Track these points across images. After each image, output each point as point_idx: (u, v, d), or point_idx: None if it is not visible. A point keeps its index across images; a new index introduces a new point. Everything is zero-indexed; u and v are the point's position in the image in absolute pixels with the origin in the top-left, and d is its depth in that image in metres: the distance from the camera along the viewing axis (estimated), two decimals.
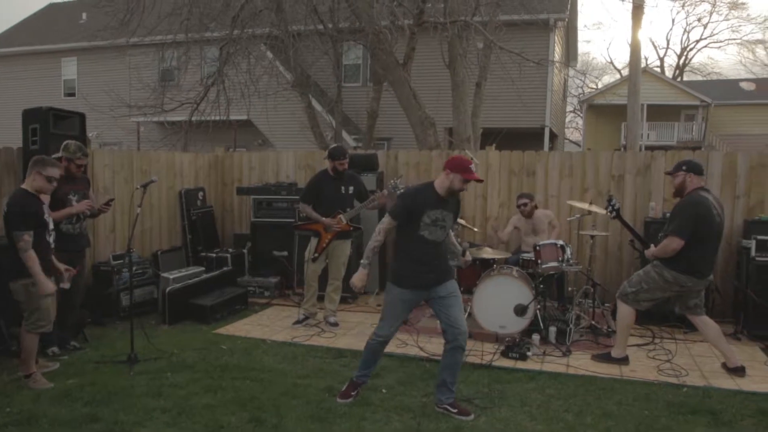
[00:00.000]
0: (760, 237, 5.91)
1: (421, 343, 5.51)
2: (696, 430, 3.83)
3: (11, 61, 22.93)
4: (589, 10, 57.87)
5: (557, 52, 18.52)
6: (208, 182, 8.83)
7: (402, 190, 5.94)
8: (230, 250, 8.00)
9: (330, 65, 14.08)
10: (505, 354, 5.17)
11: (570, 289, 6.23)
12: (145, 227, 7.51)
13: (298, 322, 6.19)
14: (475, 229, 7.07)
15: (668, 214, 5.12)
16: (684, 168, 4.82)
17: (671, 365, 5.02)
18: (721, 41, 53.24)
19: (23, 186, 4.44)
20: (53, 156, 5.01)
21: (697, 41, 39.97)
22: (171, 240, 7.99)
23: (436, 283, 4.03)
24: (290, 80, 13.38)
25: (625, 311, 5.03)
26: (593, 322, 6.00)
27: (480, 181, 4.20)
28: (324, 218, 5.90)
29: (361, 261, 4.11)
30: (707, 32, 48.72)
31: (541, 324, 5.64)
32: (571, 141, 34.51)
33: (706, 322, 4.93)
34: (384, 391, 4.43)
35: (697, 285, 4.84)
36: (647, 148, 20.75)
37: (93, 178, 6.60)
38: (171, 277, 6.55)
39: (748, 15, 52.83)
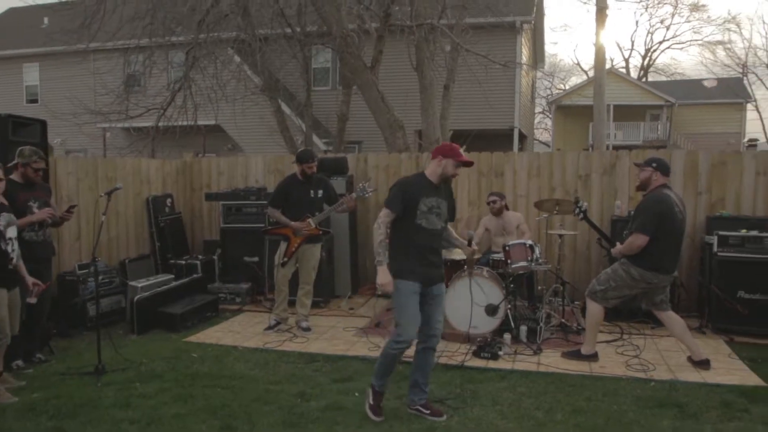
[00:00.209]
0: (721, 233, 6.06)
1: None
2: (663, 423, 3.91)
3: None
4: (555, 12, 58.77)
5: (524, 55, 18.75)
6: (176, 188, 8.71)
7: (370, 194, 5.99)
8: (200, 256, 7.91)
9: (299, 69, 14.03)
10: (477, 354, 5.20)
11: (540, 288, 6.30)
12: (111, 235, 7.38)
13: (269, 327, 6.14)
14: None
15: (633, 212, 5.23)
16: (654, 165, 4.93)
17: (639, 360, 5.12)
18: (683, 42, 54.72)
19: None
20: (9, 165, 4.90)
21: (661, 42, 40.92)
22: (139, 248, 7.86)
23: (435, 281, 4.00)
24: (259, 84, 13.28)
25: (594, 309, 5.11)
26: (563, 320, 6.08)
27: (471, 163, 4.05)
28: (293, 222, 5.87)
29: (376, 260, 3.86)
30: (670, 34, 50.02)
31: (512, 323, 5.69)
32: (540, 142, 34.98)
33: (671, 318, 5.04)
34: (357, 394, 4.41)
35: (663, 281, 4.94)
36: (615, 147, 21.14)
37: (56, 187, 6.47)
38: (139, 285, 6.44)
39: (708, 17, 54.43)
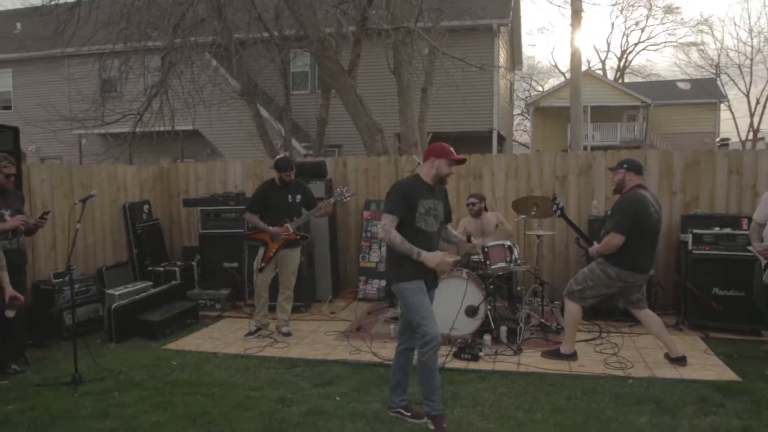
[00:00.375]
0: (696, 231, 6.16)
1: (374, 348, 5.52)
2: (640, 419, 3.96)
3: None
4: (532, 15, 59.28)
5: (502, 57, 18.90)
6: (153, 195, 8.62)
7: (348, 199, 6.00)
8: (179, 263, 7.83)
9: (277, 73, 13.99)
10: (457, 355, 5.22)
11: (519, 288, 6.35)
12: (88, 243, 7.28)
13: (250, 333, 6.10)
14: None
15: (609, 212, 5.29)
16: (625, 166, 5.00)
17: (617, 358, 5.18)
18: (657, 44, 55.47)
19: None
20: None
21: (636, 44, 41.58)
22: (116, 255, 7.76)
23: (432, 286, 4.00)
24: (237, 89, 13.21)
25: (572, 308, 5.16)
26: (543, 320, 6.13)
27: (463, 161, 4.03)
28: (271, 227, 5.85)
29: (415, 254, 3.73)
30: (645, 36, 50.72)
31: (492, 324, 5.72)
32: (520, 143, 35.28)
33: (648, 315, 5.11)
34: (338, 398, 4.41)
35: (639, 280, 5.01)
36: (593, 148, 21.36)
37: (30, 194, 6.37)
38: (116, 293, 6.36)
39: (681, 19, 55.25)
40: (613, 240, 4.83)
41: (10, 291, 4.40)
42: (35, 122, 10.83)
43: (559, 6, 62.44)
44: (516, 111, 31.30)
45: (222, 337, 6.21)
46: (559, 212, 5.35)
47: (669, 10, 38.63)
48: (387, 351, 5.42)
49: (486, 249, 5.86)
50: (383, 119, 10.42)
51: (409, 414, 3.99)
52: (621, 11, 51.43)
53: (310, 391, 4.59)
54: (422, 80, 11.40)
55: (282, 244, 5.89)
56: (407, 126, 10.45)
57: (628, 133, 28.28)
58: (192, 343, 6.03)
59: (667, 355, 5.11)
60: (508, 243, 5.95)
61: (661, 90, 30.75)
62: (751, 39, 48.73)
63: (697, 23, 52.24)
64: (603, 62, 41.53)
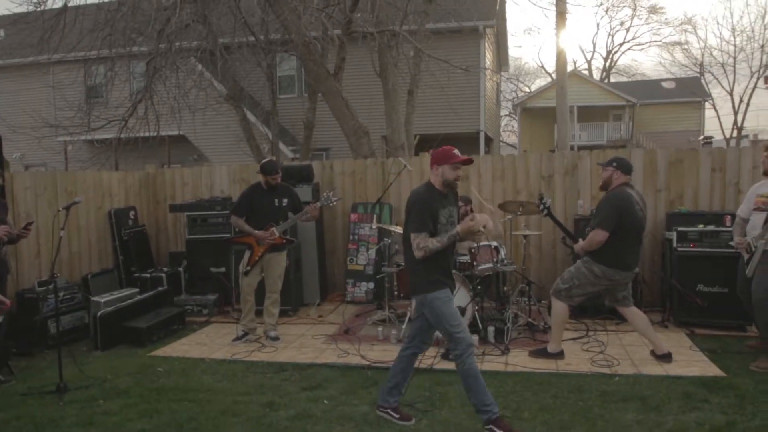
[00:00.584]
0: (680, 228, 6.21)
1: (363, 351, 5.52)
2: (626, 416, 3.98)
3: None
4: (519, 16, 59.69)
5: (488, 58, 18.97)
6: (139, 201, 8.58)
7: (335, 203, 6.00)
8: (165, 269, 7.79)
9: (264, 77, 13.96)
10: (445, 357, 5.21)
11: (506, 288, 6.37)
12: (73, 250, 7.22)
13: (237, 338, 6.08)
14: None
15: (594, 210, 5.33)
16: (614, 164, 5.04)
17: (604, 356, 5.21)
18: (642, 44, 55.90)
19: None
20: None
21: (621, 44, 41.89)
22: (102, 262, 7.71)
23: (452, 291, 4.00)
24: (223, 93, 13.16)
25: (559, 307, 5.18)
26: (530, 320, 6.15)
27: (469, 161, 3.94)
28: (256, 231, 5.83)
29: (455, 235, 3.73)
30: (630, 36, 51.06)
31: (480, 324, 5.73)
32: (507, 144, 35.43)
33: (634, 313, 5.14)
34: (326, 402, 4.40)
35: (625, 278, 5.04)
36: (580, 148, 21.51)
37: (13, 202, 6.32)
38: (102, 300, 6.32)
39: (666, 19, 55.71)
40: (597, 236, 4.86)
41: None
42: (20, 129, 10.73)
43: (543, 8, 62.78)
44: (503, 112, 31.46)
45: (209, 343, 6.17)
46: (546, 211, 5.37)
47: (653, 10, 39.00)
48: (375, 353, 5.42)
49: (473, 250, 5.88)
50: (369, 122, 10.43)
51: (397, 416, 3.99)
52: (606, 12, 51.96)
53: (298, 395, 4.58)
54: (408, 83, 11.42)
55: (268, 248, 5.87)
56: (394, 128, 10.46)
57: (615, 133, 28.50)
58: (179, 349, 6.00)
59: (652, 352, 5.15)
60: (495, 244, 5.97)
61: (646, 89, 31.04)
62: (734, 38, 49.35)
63: (681, 23, 52.71)
64: (589, 62, 41.87)
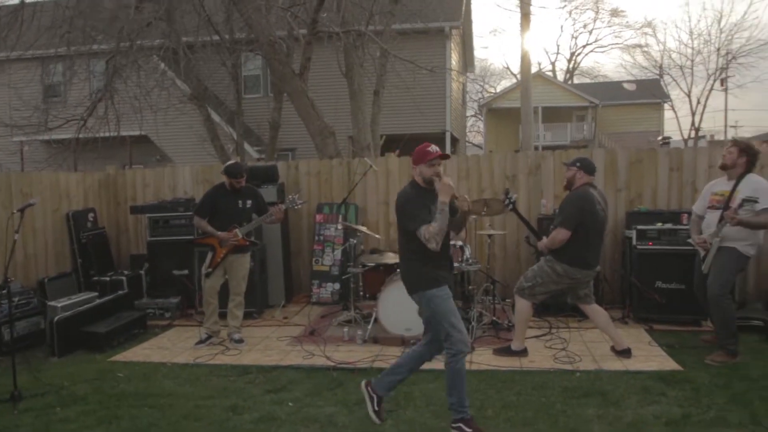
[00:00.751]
0: (639, 227, 6.34)
1: (328, 352, 5.49)
2: (588, 411, 4.05)
3: None
4: (484, 17, 60.24)
5: (454, 59, 19.10)
6: (99, 202, 8.37)
7: (300, 206, 5.96)
8: (126, 272, 7.61)
9: (228, 76, 13.79)
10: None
11: (471, 287, 6.41)
12: (28, 254, 7.01)
13: (201, 342, 5.98)
14: (378, 236, 7.09)
15: (557, 210, 5.41)
16: (578, 164, 5.11)
17: (566, 353, 5.29)
18: (604, 46, 57.24)
19: None
20: None
21: (584, 46, 42.84)
22: (59, 266, 7.50)
23: (451, 285, 3.99)
24: (186, 93, 12.95)
25: (523, 305, 5.24)
26: (495, 318, 6.20)
27: (446, 156, 4.01)
28: (219, 232, 5.75)
29: (440, 207, 3.69)
30: (592, 38, 52.19)
31: None
32: (473, 144, 35.72)
33: (595, 310, 5.23)
34: (291, 404, 4.36)
35: (586, 276, 5.12)
36: (545, 148, 21.82)
37: None
38: (59, 305, 6.13)
39: (627, 22, 57.01)
40: (559, 235, 4.93)
41: None
42: None
43: (507, 9, 63.60)
44: (469, 112, 31.70)
45: (171, 347, 6.06)
46: (511, 206, 5.42)
47: (615, 13, 40.05)
48: (341, 354, 5.40)
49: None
50: (335, 122, 10.39)
51: (377, 399, 3.98)
52: (569, 14, 52.87)
53: (263, 397, 4.53)
54: (374, 83, 11.42)
55: (230, 249, 5.79)
56: (359, 129, 10.44)
57: (578, 133, 29.02)
58: (140, 353, 5.87)
59: (613, 348, 5.25)
60: (459, 243, 6.01)
61: (608, 91, 31.70)
62: (692, 41, 50.95)
63: (642, 26, 54.13)
64: (553, 64, 42.57)
